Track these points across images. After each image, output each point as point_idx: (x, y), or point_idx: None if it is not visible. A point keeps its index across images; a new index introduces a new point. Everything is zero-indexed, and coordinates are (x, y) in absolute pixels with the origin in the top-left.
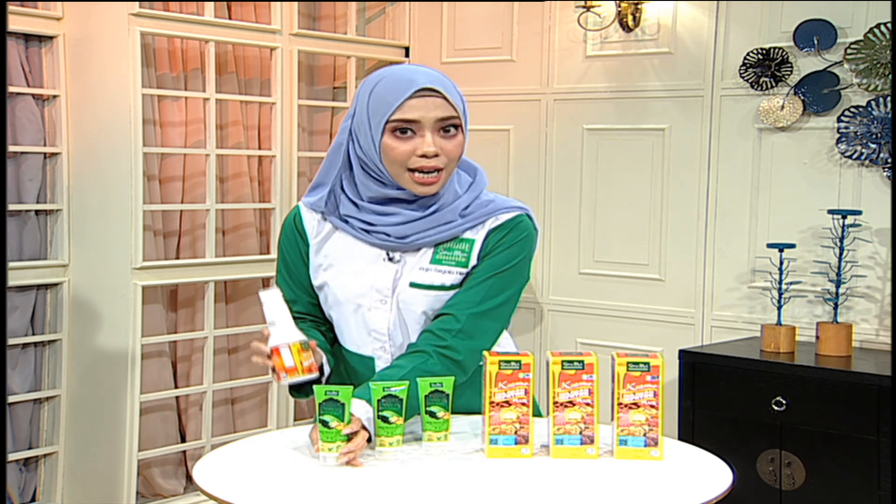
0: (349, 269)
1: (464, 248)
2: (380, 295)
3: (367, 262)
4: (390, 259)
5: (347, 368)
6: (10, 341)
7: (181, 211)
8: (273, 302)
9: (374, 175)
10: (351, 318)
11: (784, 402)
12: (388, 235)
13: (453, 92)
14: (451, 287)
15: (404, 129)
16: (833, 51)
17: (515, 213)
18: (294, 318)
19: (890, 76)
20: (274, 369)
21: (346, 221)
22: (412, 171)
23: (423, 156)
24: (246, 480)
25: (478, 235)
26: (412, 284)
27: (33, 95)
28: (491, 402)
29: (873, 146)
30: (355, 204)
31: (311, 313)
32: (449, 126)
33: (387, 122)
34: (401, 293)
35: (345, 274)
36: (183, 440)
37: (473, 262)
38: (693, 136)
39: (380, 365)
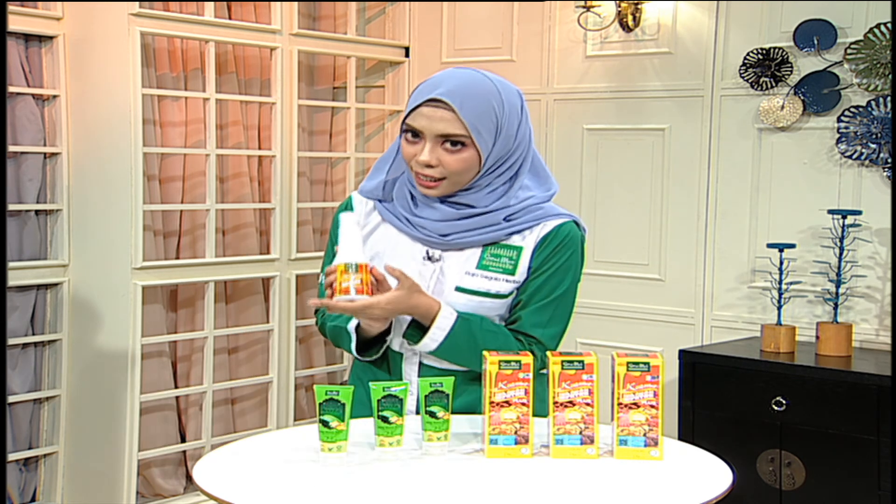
0: (392, 263)
1: (511, 255)
2: None
3: (409, 257)
4: (430, 258)
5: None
6: (10, 341)
7: (181, 211)
8: (344, 224)
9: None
10: None
11: (784, 402)
12: (426, 230)
13: (471, 106)
14: (497, 295)
15: (414, 133)
16: (833, 51)
17: (563, 221)
18: None
19: (890, 76)
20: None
21: (394, 214)
22: (417, 173)
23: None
24: (246, 480)
25: (525, 243)
26: (458, 289)
27: (33, 95)
28: (491, 402)
29: (873, 146)
30: (405, 195)
31: None
32: (453, 141)
33: (403, 123)
34: (445, 296)
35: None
36: (183, 440)
37: (521, 271)
38: (693, 136)
39: (405, 366)
